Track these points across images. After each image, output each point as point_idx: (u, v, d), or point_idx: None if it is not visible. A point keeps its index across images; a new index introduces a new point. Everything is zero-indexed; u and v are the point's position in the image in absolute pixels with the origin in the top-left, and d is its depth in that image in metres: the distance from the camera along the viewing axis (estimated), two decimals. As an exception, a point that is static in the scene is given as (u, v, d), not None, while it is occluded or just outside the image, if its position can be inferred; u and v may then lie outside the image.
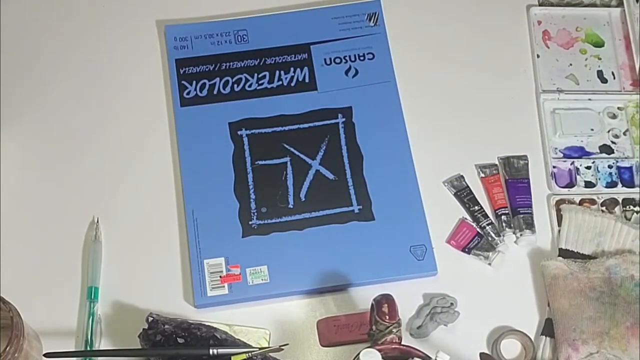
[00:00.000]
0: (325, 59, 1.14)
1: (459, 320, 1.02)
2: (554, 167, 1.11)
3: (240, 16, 1.17)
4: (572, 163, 1.12)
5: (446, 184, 1.10)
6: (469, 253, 1.06)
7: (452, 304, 1.02)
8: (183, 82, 1.12)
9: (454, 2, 1.21)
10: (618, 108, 1.16)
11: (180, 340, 0.94)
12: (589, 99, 1.16)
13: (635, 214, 1.09)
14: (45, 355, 0.92)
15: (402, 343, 0.93)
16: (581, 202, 1.09)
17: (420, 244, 1.05)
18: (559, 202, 1.09)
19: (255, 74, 1.13)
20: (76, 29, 1.17)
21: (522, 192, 1.09)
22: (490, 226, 1.07)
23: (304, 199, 1.07)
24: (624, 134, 1.14)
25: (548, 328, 1.02)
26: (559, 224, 1.08)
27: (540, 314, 1.04)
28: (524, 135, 1.14)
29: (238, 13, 1.18)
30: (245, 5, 1.19)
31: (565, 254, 1.06)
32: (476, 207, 1.08)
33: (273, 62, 1.14)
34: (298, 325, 1.02)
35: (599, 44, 1.20)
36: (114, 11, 1.19)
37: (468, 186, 1.10)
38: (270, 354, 0.96)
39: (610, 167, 1.12)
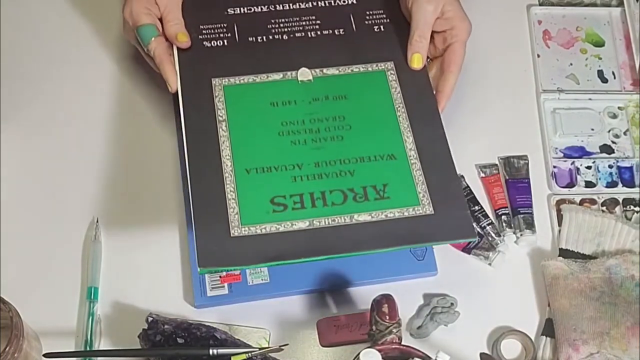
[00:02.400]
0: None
1: (459, 320, 1.02)
2: (554, 167, 1.11)
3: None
4: (573, 163, 1.12)
5: (446, 184, 1.10)
6: (469, 253, 1.06)
7: (452, 304, 1.02)
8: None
9: (454, 1, 1.21)
10: (618, 108, 1.16)
11: (180, 341, 0.94)
12: (590, 99, 1.16)
13: (635, 214, 1.09)
14: (45, 355, 0.92)
15: (402, 343, 0.93)
16: (581, 202, 1.09)
17: (420, 244, 1.04)
18: (559, 202, 1.09)
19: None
20: (76, 27, 1.17)
21: (522, 192, 1.09)
22: (490, 226, 1.07)
23: (304, 199, 1.07)
24: (625, 133, 1.14)
25: (548, 328, 1.02)
26: (559, 224, 1.08)
27: (540, 314, 1.04)
28: (524, 135, 1.14)
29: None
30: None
31: (565, 254, 1.06)
32: (476, 207, 1.08)
33: None
34: (298, 325, 1.02)
35: (600, 44, 1.20)
36: (114, 10, 1.18)
37: (468, 186, 1.10)
38: (270, 354, 0.96)
39: (610, 167, 1.12)
